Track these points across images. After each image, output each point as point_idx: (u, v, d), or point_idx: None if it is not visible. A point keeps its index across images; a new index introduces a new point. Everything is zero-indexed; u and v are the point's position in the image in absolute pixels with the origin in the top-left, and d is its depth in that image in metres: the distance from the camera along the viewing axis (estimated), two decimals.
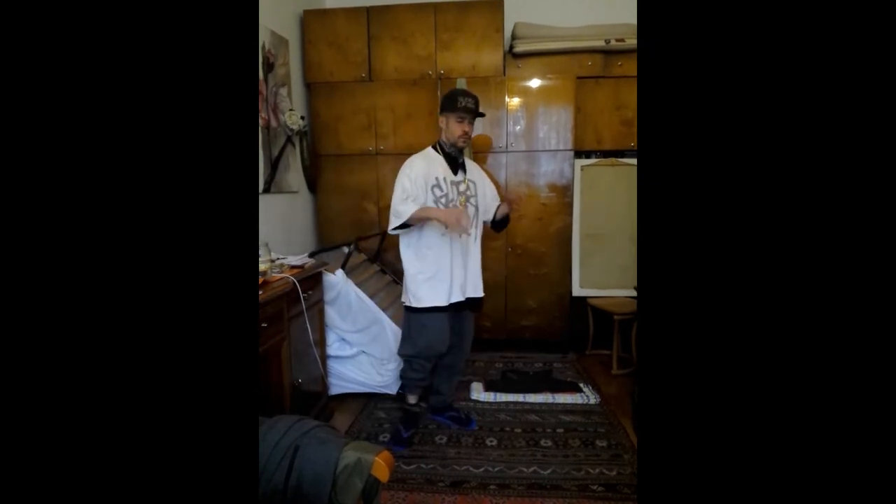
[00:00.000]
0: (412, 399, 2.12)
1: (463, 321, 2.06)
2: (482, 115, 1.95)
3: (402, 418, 2.11)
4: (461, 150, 1.96)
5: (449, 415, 2.16)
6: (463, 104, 1.87)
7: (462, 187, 1.95)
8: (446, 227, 1.82)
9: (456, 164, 1.96)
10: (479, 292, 2.05)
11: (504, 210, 2.06)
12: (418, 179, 1.86)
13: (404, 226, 1.84)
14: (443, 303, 1.92)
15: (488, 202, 2.06)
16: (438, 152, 1.96)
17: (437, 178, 1.90)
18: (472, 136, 1.98)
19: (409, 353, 2.04)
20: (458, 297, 1.96)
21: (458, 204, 1.92)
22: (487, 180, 2.10)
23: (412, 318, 2.00)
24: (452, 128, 1.90)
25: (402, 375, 2.14)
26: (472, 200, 1.97)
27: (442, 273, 1.92)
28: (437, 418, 2.19)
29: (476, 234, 2.01)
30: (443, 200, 1.89)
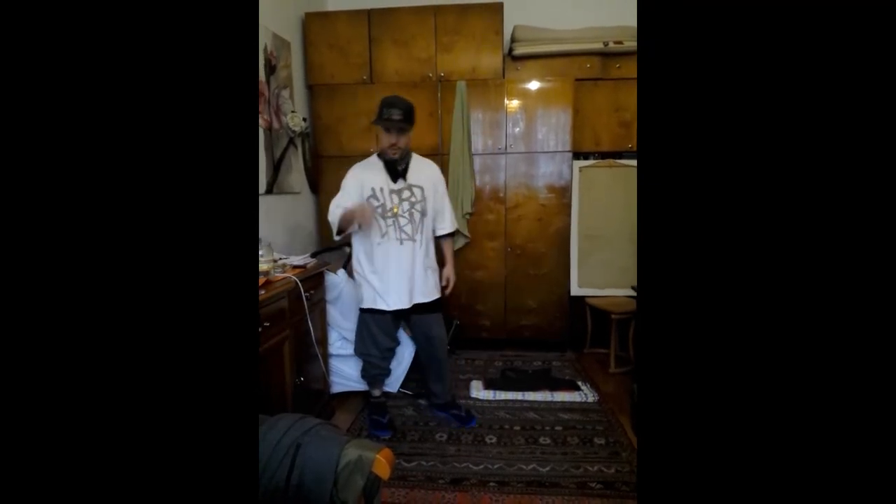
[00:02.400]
0: (376, 392, 2.21)
1: (423, 324, 2.08)
2: (408, 126, 1.90)
3: (372, 410, 2.18)
4: (401, 158, 1.94)
5: (452, 412, 2.18)
6: (386, 115, 1.86)
7: (405, 194, 1.95)
8: (359, 225, 1.87)
9: (396, 172, 1.95)
10: (426, 297, 2.04)
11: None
12: (352, 188, 1.94)
13: (343, 232, 1.93)
14: (382, 307, 1.99)
15: (439, 205, 2.05)
16: (380, 159, 1.97)
17: (373, 189, 1.93)
18: (404, 144, 1.93)
19: (361, 352, 2.13)
20: (400, 304, 1.98)
21: (396, 212, 1.94)
22: (441, 184, 2.06)
23: (359, 317, 2.13)
24: (381, 139, 1.92)
25: (363, 375, 2.20)
26: (416, 206, 1.96)
27: (382, 279, 1.98)
28: (439, 413, 2.22)
29: (421, 239, 1.99)
30: (379, 210, 1.93)
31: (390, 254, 1.96)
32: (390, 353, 2.17)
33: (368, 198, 1.92)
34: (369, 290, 2.01)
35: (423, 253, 2.02)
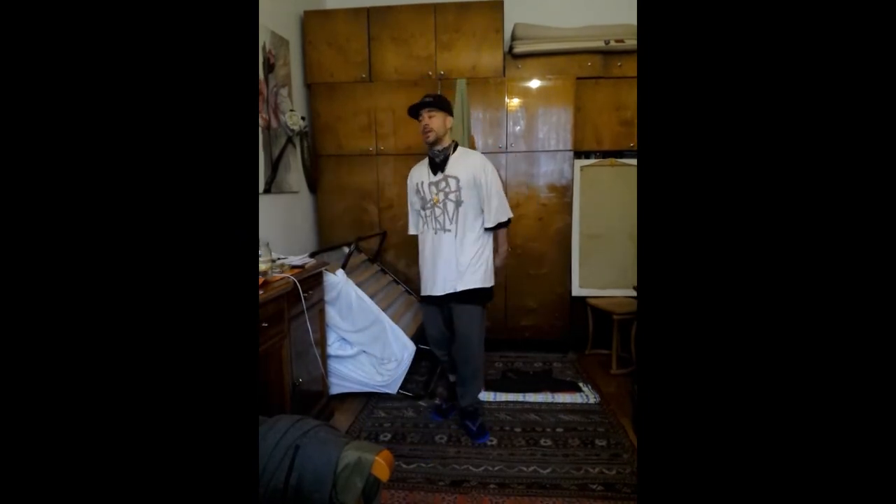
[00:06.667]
0: (452, 378, 2.28)
1: (454, 315, 2.06)
2: (434, 102, 1.95)
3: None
4: (437, 150, 2.00)
5: (466, 422, 2.10)
6: (417, 106, 1.98)
7: (441, 185, 2.02)
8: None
9: (436, 165, 2.03)
10: (457, 286, 2.00)
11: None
12: (409, 187, 2.14)
13: None
14: (424, 292, 2.11)
15: (483, 196, 1.99)
16: (428, 156, 2.08)
17: (418, 184, 2.07)
18: (438, 127, 1.96)
19: (426, 344, 2.30)
20: (434, 292, 2.05)
21: (432, 203, 2.03)
22: (483, 174, 1.98)
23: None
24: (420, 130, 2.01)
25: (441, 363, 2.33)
26: (450, 196, 1.99)
27: (423, 267, 2.11)
28: (460, 421, 2.14)
29: (456, 228, 1.98)
30: (420, 203, 2.08)
31: (426, 243, 2.07)
32: (439, 345, 2.22)
33: (416, 193, 2.08)
34: (422, 278, 2.14)
35: (459, 244, 2.00)
